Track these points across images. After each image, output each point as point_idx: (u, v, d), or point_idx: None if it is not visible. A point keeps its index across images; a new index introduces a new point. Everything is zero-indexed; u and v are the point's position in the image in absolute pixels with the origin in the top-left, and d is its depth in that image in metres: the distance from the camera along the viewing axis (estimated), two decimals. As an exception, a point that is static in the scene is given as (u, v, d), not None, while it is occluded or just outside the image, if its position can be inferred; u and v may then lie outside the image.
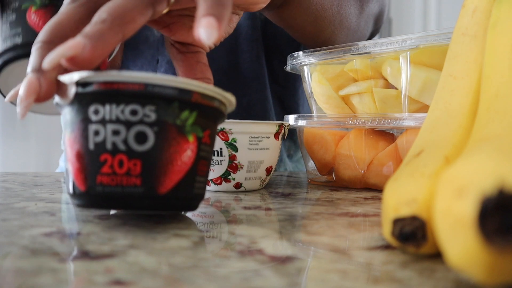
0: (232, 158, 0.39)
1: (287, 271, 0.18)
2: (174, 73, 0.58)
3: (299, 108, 0.68)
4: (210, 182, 0.40)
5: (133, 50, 0.59)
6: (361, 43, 0.42)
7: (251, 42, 0.60)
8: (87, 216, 0.29)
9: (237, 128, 0.39)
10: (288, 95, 0.66)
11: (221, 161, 0.39)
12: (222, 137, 0.39)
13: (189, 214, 0.31)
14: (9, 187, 0.42)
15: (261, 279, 0.17)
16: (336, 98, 0.45)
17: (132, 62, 0.59)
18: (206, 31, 0.23)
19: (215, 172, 0.40)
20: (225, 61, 0.60)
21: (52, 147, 1.37)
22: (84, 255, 0.20)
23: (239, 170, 0.40)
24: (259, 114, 0.62)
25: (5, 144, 1.38)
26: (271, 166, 0.42)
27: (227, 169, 0.40)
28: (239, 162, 0.39)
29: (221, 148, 0.39)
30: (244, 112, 0.61)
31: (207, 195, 0.39)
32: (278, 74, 0.65)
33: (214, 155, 0.39)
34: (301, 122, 0.47)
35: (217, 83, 0.61)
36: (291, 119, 0.48)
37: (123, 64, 0.59)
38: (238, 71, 0.60)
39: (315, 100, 0.48)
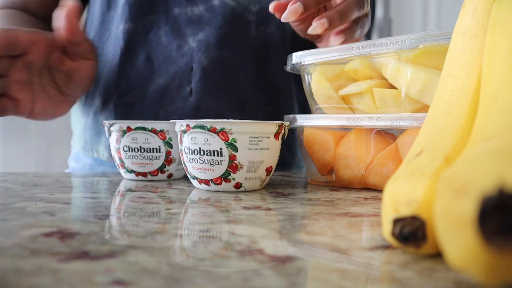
0: (232, 158, 0.39)
1: (287, 271, 0.18)
2: (207, 80, 0.59)
3: None
4: (210, 182, 0.40)
5: (166, 58, 0.60)
6: (361, 43, 0.42)
7: (281, 53, 0.62)
8: (87, 216, 0.29)
9: (237, 128, 0.39)
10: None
11: (221, 161, 0.39)
12: (222, 137, 0.39)
13: (189, 214, 0.31)
14: (9, 187, 0.42)
15: (261, 279, 0.17)
16: (336, 98, 0.45)
17: (165, 70, 0.60)
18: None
19: (215, 172, 0.40)
20: (254, 69, 0.61)
21: (52, 147, 1.37)
22: (84, 255, 0.20)
23: (239, 170, 0.40)
24: None
25: (5, 143, 1.38)
26: (271, 166, 0.42)
27: (227, 169, 0.39)
28: (239, 162, 0.39)
29: (221, 148, 0.39)
30: (267, 120, 0.62)
31: (207, 194, 0.39)
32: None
33: (214, 155, 0.39)
34: (301, 122, 0.47)
35: (245, 90, 0.62)
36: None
37: (156, 72, 0.60)
38: (266, 80, 0.62)
39: (315, 100, 0.48)
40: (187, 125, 0.40)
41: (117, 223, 0.28)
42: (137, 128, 0.46)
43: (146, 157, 0.47)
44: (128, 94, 0.61)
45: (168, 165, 0.48)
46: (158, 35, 0.59)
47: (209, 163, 0.39)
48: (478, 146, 0.20)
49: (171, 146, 0.47)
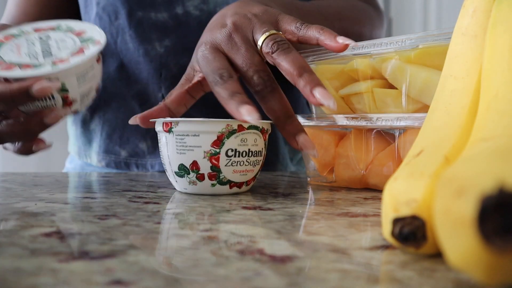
0: (264, 156, 0.41)
1: (287, 271, 0.18)
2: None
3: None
4: (244, 184, 0.39)
5: (137, 64, 0.60)
6: (361, 43, 0.42)
7: None
8: (87, 216, 0.29)
9: (270, 128, 0.41)
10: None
11: (259, 161, 0.40)
12: (264, 138, 0.40)
13: (189, 214, 0.31)
14: (9, 187, 0.42)
15: (261, 279, 0.17)
16: (336, 98, 0.45)
17: (138, 75, 0.61)
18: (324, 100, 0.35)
19: (253, 172, 0.40)
20: None
21: (52, 147, 1.36)
22: (84, 255, 0.20)
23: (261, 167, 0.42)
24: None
25: (5, 144, 1.37)
26: None
27: (259, 169, 0.41)
28: (263, 160, 0.41)
29: (262, 148, 0.40)
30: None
31: (207, 195, 0.39)
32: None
33: (257, 156, 0.39)
34: (301, 122, 0.47)
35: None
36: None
37: (131, 78, 0.61)
38: None
39: (315, 100, 0.48)
40: (240, 126, 0.37)
41: (117, 223, 0.28)
42: None
43: None
44: (112, 102, 0.62)
45: None
46: (125, 41, 0.60)
47: (253, 164, 0.39)
48: (478, 146, 0.20)
49: None
